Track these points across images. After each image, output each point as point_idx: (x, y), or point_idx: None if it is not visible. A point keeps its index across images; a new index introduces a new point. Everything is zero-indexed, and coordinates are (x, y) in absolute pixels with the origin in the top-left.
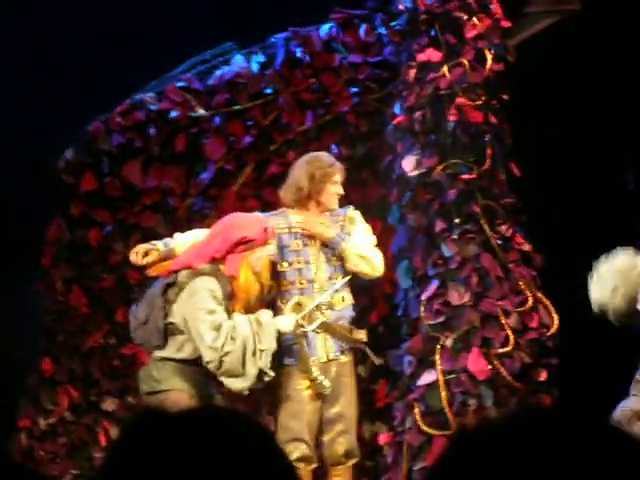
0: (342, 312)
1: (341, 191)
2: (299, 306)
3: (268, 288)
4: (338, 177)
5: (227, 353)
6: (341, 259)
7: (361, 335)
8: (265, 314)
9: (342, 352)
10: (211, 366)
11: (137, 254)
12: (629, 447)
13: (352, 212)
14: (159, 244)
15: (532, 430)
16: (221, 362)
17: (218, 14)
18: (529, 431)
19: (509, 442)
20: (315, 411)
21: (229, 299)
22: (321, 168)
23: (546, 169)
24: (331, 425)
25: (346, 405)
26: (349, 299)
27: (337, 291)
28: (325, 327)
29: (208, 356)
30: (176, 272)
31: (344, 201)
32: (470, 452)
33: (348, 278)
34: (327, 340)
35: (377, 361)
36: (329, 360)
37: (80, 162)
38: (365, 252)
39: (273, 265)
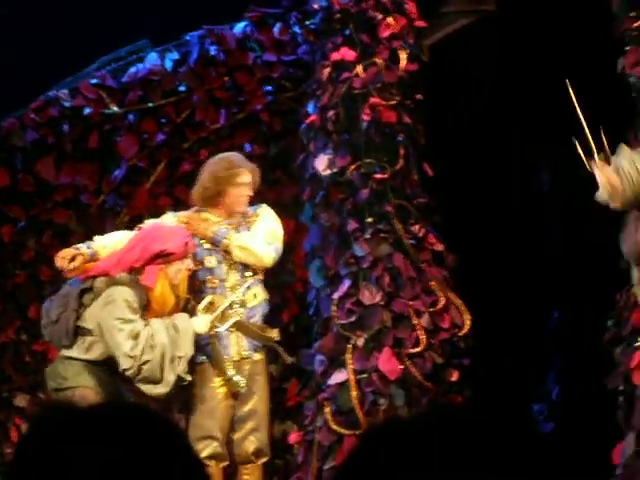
0: (255, 309)
1: (246, 192)
2: (212, 305)
3: (184, 301)
4: (244, 179)
5: (146, 362)
6: None
7: (273, 334)
8: (181, 319)
9: (255, 350)
10: (129, 373)
11: (64, 259)
12: (538, 444)
13: (260, 210)
14: (83, 248)
15: (441, 428)
16: (140, 370)
17: (133, 11)
18: (438, 429)
19: (417, 440)
20: (228, 409)
21: (144, 309)
22: (225, 170)
23: (459, 169)
24: (242, 423)
25: (258, 403)
26: (262, 296)
27: (249, 288)
28: (238, 326)
29: (126, 364)
30: (94, 277)
31: (257, 199)
32: (379, 450)
33: (258, 275)
34: (240, 338)
35: (288, 360)
36: (242, 358)
37: None
38: (245, 243)
39: (191, 278)
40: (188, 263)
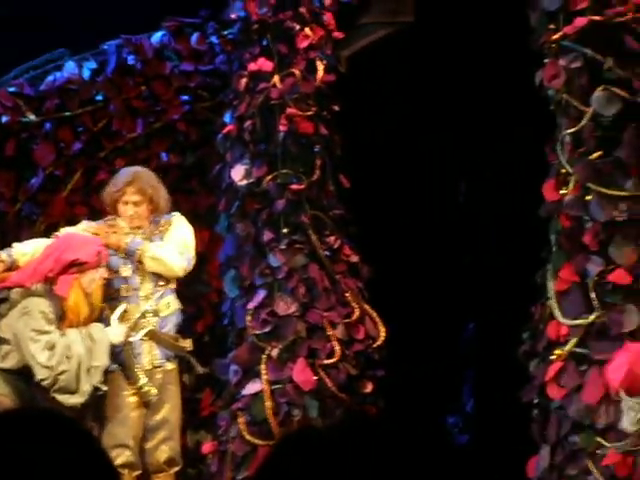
0: (168, 319)
1: (132, 211)
2: (126, 314)
3: (99, 310)
4: (127, 198)
5: (62, 372)
6: None
7: (186, 344)
8: (97, 329)
9: (167, 360)
10: (45, 383)
11: None
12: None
13: (173, 218)
14: (3, 255)
15: (354, 438)
16: (56, 380)
17: (50, 20)
18: (351, 439)
19: (330, 449)
20: (140, 418)
21: (60, 319)
22: (109, 187)
23: (376, 181)
24: (154, 432)
25: (170, 412)
26: (175, 305)
27: (162, 298)
28: (151, 335)
29: (42, 374)
30: (9, 288)
31: (173, 209)
32: (292, 459)
33: (171, 285)
34: (153, 347)
35: (200, 370)
36: (154, 367)
37: None
38: (157, 253)
39: (105, 287)
40: (102, 272)
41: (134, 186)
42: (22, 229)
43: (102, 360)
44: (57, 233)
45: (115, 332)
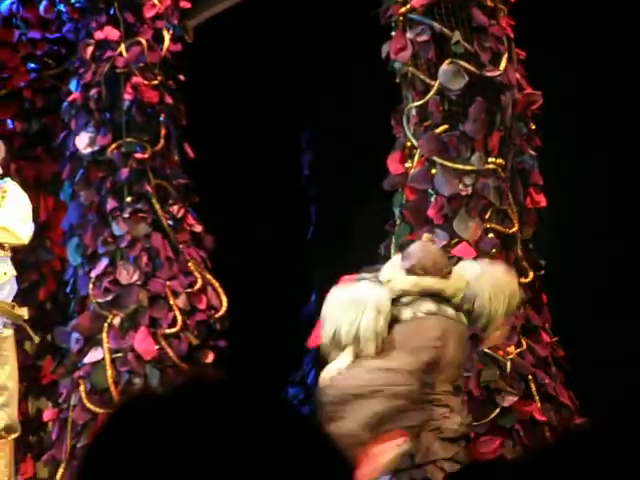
0: (4, 286)
1: None
2: None
3: None
4: None
5: None
6: None
7: (22, 312)
8: None
9: (4, 326)
10: None
11: None
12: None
13: (6, 184)
14: None
15: (194, 402)
16: None
17: None
18: (191, 403)
19: (170, 414)
20: None
21: None
22: None
23: (221, 151)
24: None
25: (7, 379)
26: (11, 273)
27: None
28: None
29: None
30: None
31: (18, 176)
32: (129, 425)
33: (7, 252)
34: None
35: (36, 339)
36: None
37: None
38: (3, 222)
39: None
40: None
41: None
42: None
43: None
44: None
45: None
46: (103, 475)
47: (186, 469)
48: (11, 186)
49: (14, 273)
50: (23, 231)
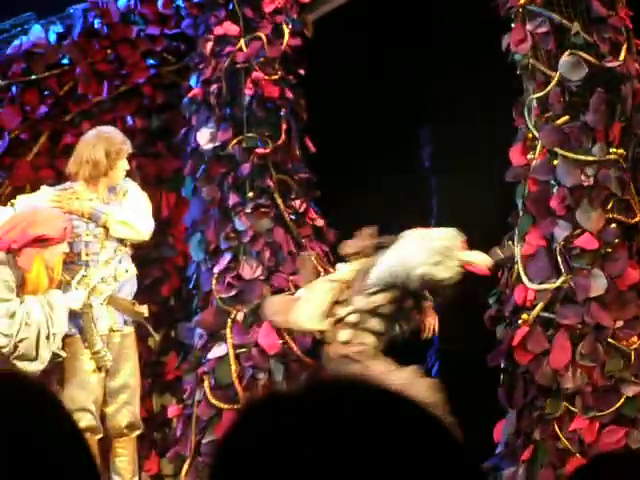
0: (125, 284)
1: (127, 167)
2: (85, 278)
3: (58, 283)
4: (129, 151)
5: (22, 340)
6: None
7: (142, 309)
8: (56, 295)
9: (125, 323)
10: (4, 351)
11: None
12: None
13: (127, 184)
14: None
15: (323, 401)
16: (15, 347)
17: None
18: (320, 402)
19: (299, 413)
20: (99, 382)
21: (20, 288)
22: (115, 144)
23: (343, 146)
24: (114, 396)
25: (129, 377)
26: (132, 271)
27: (120, 263)
28: (109, 299)
29: (1, 342)
30: None
31: (139, 173)
32: (260, 423)
33: (128, 250)
34: (111, 312)
35: (156, 337)
36: (112, 331)
37: None
38: (125, 217)
39: (65, 261)
40: (64, 247)
41: (128, 142)
42: None
43: (61, 327)
44: (13, 201)
45: (75, 297)
46: (234, 477)
47: (318, 470)
48: (131, 185)
49: (135, 271)
50: (143, 227)
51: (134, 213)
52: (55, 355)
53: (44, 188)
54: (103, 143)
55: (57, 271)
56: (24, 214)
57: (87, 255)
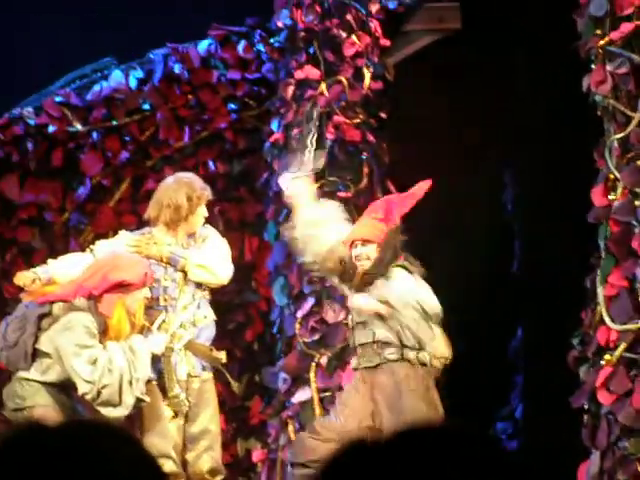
0: (204, 329)
1: (206, 213)
2: (164, 323)
3: (139, 328)
4: (209, 197)
5: (105, 386)
6: None
7: (220, 355)
8: (137, 340)
9: (204, 369)
10: (88, 397)
11: (25, 278)
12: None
13: (206, 230)
14: (39, 272)
15: (408, 446)
16: (99, 394)
17: (97, 29)
18: (405, 447)
19: (386, 457)
20: (178, 428)
21: (101, 334)
22: (197, 190)
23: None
24: (195, 442)
25: (209, 422)
26: (211, 316)
27: (199, 308)
28: (188, 345)
29: (84, 388)
30: (52, 302)
31: (221, 217)
32: (350, 469)
33: (207, 295)
34: (189, 357)
35: (235, 384)
36: (190, 377)
37: None
38: (203, 261)
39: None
40: (145, 292)
41: (208, 190)
42: (70, 239)
43: (144, 372)
44: (92, 247)
45: (156, 342)
46: None
47: None
48: (210, 231)
49: (213, 316)
50: (222, 271)
51: (213, 257)
52: (139, 400)
53: (123, 233)
54: (185, 188)
55: (138, 316)
56: (105, 260)
57: (165, 300)
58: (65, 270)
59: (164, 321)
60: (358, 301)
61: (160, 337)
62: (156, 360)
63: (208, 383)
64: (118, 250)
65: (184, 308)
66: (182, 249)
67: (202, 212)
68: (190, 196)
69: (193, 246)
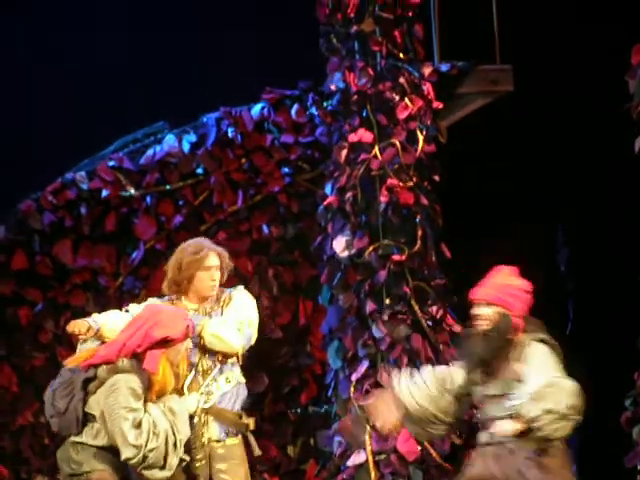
0: (227, 394)
1: (215, 276)
2: (193, 384)
3: (184, 378)
4: (212, 261)
5: (151, 450)
6: None
7: (247, 421)
8: (175, 401)
9: (227, 434)
10: (133, 462)
11: (81, 326)
12: None
13: (235, 291)
14: (91, 322)
15: None
16: (145, 458)
17: (150, 93)
18: None
19: None
20: None
21: (147, 390)
22: (188, 255)
23: (476, 249)
24: None
25: None
26: (235, 380)
27: (221, 372)
28: (210, 409)
29: (129, 453)
30: (96, 366)
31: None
32: None
33: (232, 360)
34: (210, 422)
35: (257, 452)
36: (214, 441)
37: (11, 240)
38: (217, 330)
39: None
40: (188, 343)
41: (214, 251)
42: (124, 303)
43: (185, 432)
44: (126, 307)
45: (191, 402)
46: None
47: None
48: (238, 293)
49: (241, 380)
50: (234, 340)
51: (230, 325)
52: (181, 460)
53: (151, 300)
54: (177, 255)
55: (182, 367)
56: (144, 316)
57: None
58: (111, 324)
59: (192, 381)
60: (502, 427)
61: (193, 397)
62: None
63: (235, 449)
64: (155, 303)
65: (204, 373)
66: (201, 316)
67: (206, 277)
68: (180, 263)
69: (217, 310)
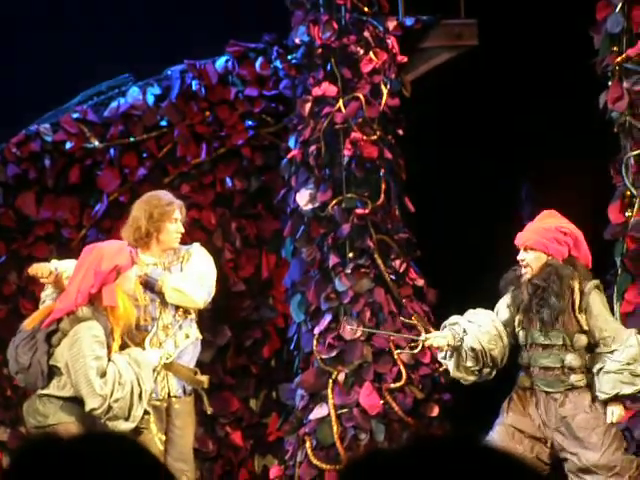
0: (186, 350)
1: (181, 229)
2: (154, 338)
3: (144, 308)
4: (177, 215)
5: (117, 400)
6: None
7: (203, 379)
8: (139, 353)
9: (184, 392)
10: (98, 412)
11: (43, 269)
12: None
13: (192, 248)
14: (51, 267)
15: (423, 460)
16: (110, 408)
17: (114, 45)
18: (420, 461)
19: (400, 473)
20: (161, 444)
21: (110, 335)
22: (159, 207)
23: (441, 204)
24: (172, 465)
25: (184, 441)
26: (194, 336)
27: (181, 328)
28: (168, 365)
29: (95, 403)
30: (58, 321)
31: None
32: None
33: (191, 315)
34: (169, 378)
35: (209, 410)
36: (171, 397)
37: None
38: (178, 285)
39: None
40: (136, 270)
41: (178, 204)
42: None
43: (149, 384)
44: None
45: (154, 356)
46: None
47: None
48: (197, 250)
49: (198, 336)
50: (197, 295)
51: (191, 280)
52: (145, 412)
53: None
54: (145, 206)
55: (139, 295)
56: (86, 257)
57: (146, 320)
58: (71, 272)
59: (154, 336)
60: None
61: (156, 351)
62: None
63: (187, 406)
64: (97, 244)
65: (165, 328)
66: (160, 270)
67: (173, 229)
68: (151, 213)
69: (175, 265)
